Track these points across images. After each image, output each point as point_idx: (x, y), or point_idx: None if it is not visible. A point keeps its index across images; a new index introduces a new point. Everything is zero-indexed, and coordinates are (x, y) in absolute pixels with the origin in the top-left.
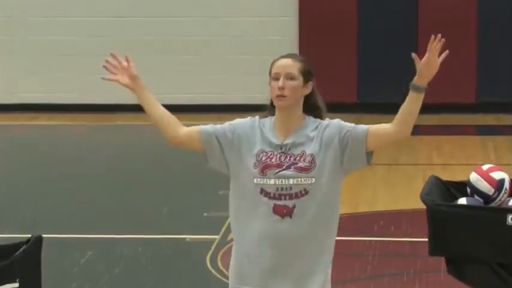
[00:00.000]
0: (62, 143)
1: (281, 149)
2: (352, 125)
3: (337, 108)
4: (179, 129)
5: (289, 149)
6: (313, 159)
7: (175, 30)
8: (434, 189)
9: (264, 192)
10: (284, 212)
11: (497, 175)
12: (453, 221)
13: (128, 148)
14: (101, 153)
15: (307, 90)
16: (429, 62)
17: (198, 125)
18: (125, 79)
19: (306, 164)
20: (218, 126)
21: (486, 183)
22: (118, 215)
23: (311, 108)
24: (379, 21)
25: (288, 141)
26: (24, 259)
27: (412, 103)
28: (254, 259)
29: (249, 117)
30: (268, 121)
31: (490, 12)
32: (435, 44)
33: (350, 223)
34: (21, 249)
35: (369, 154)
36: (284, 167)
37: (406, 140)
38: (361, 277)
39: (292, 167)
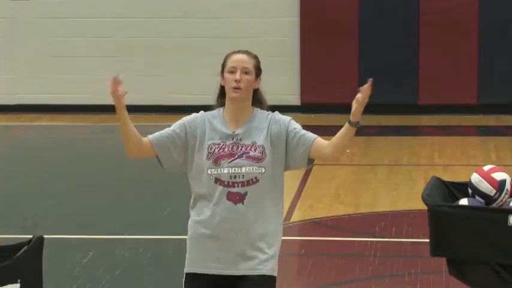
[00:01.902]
0: (63, 143)
1: (232, 139)
2: (300, 127)
3: (337, 108)
4: (142, 146)
5: (240, 139)
6: (263, 150)
7: (176, 31)
8: (436, 190)
9: (218, 181)
10: (237, 199)
11: (499, 176)
12: (454, 222)
13: None
14: (102, 154)
15: (257, 85)
16: (361, 102)
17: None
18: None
19: (258, 154)
20: (167, 130)
21: (487, 184)
22: (119, 216)
23: (256, 101)
24: (380, 22)
25: (239, 131)
26: (26, 260)
27: (346, 133)
28: (209, 243)
29: (193, 114)
30: (217, 112)
31: (491, 13)
32: (367, 88)
33: (351, 224)
34: (22, 250)
35: (310, 160)
36: (236, 156)
37: (408, 141)
38: (362, 278)
39: (244, 156)
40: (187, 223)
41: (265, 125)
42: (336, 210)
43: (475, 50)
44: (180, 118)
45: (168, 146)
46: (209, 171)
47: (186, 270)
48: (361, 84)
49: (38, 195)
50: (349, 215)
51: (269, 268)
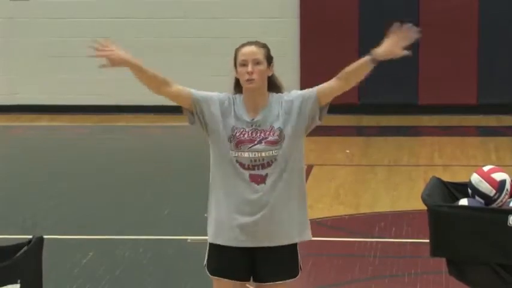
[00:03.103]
0: (63, 144)
1: (252, 126)
2: (306, 90)
3: (337, 109)
4: (169, 85)
5: (259, 125)
6: (281, 132)
7: (176, 31)
8: (436, 190)
9: (239, 163)
10: (259, 180)
11: (499, 176)
12: (454, 222)
13: (129, 149)
14: (102, 154)
15: (271, 72)
16: (390, 44)
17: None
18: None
19: (276, 138)
20: (206, 95)
21: (487, 184)
22: (119, 216)
23: (273, 86)
24: (380, 23)
25: (258, 118)
26: (26, 260)
27: (361, 67)
28: (233, 221)
29: (224, 93)
30: (238, 98)
31: (491, 13)
32: (402, 31)
33: (351, 224)
34: (22, 250)
35: (322, 110)
36: (256, 142)
37: (408, 141)
38: (362, 278)
39: (263, 142)
40: (187, 223)
41: (279, 108)
42: (336, 210)
43: (475, 50)
44: (180, 118)
45: (202, 110)
46: (231, 153)
47: (209, 240)
48: (361, 85)
49: (38, 196)
50: (349, 215)
51: (292, 236)
